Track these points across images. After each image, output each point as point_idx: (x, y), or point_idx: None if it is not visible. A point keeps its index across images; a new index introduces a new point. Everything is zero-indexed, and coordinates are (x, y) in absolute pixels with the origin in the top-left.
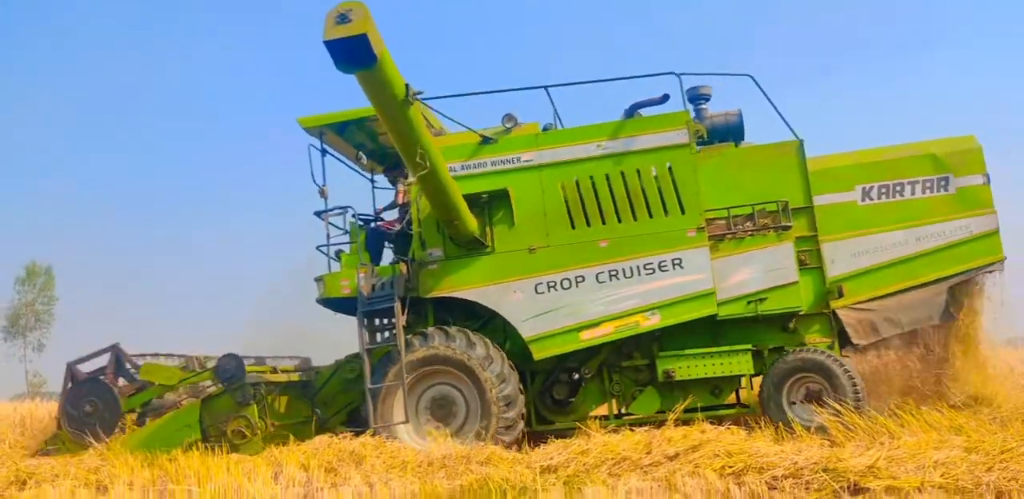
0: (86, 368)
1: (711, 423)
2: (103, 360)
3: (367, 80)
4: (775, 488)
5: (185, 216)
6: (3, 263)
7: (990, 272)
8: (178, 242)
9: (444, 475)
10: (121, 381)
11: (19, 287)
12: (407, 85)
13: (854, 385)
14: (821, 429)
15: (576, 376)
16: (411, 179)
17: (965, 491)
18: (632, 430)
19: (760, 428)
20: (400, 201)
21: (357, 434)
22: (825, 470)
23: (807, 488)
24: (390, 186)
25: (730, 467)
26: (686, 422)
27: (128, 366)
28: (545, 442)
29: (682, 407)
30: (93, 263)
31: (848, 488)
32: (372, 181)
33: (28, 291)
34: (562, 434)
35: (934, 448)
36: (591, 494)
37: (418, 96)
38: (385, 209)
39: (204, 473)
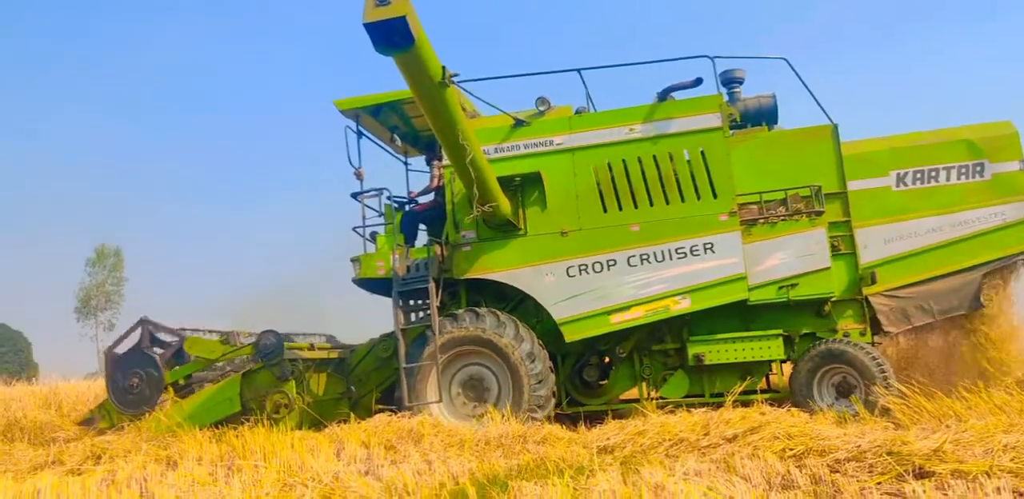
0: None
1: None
2: (135, 337)
3: (405, 62)
4: (837, 471)
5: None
6: (75, 244)
7: None
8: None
9: (501, 454)
10: (157, 350)
11: (90, 268)
12: (444, 67)
13: (882, 371)
14: (884, 412)
15: (607, 359)
16: (445, 161)
17: None
18: (689, 411)
19: (822, 410)
20: (435, 184)
21: (391, 412)
22: (889, 453)
23: (870, 472)
24: (424, 169)
25: (791, 450)
26: (720, 406)
27: (161, 335)
28: (602, 422)
29: (738, 390)
30: (160, 244)
31: (913, 472)
32: (406, 164)
33: (99, 272)
34: (594, 416)
35: (1003, 431)
36: (648, 475)
37: (454, 78)
38: (421, 193)
39: (269, 449)
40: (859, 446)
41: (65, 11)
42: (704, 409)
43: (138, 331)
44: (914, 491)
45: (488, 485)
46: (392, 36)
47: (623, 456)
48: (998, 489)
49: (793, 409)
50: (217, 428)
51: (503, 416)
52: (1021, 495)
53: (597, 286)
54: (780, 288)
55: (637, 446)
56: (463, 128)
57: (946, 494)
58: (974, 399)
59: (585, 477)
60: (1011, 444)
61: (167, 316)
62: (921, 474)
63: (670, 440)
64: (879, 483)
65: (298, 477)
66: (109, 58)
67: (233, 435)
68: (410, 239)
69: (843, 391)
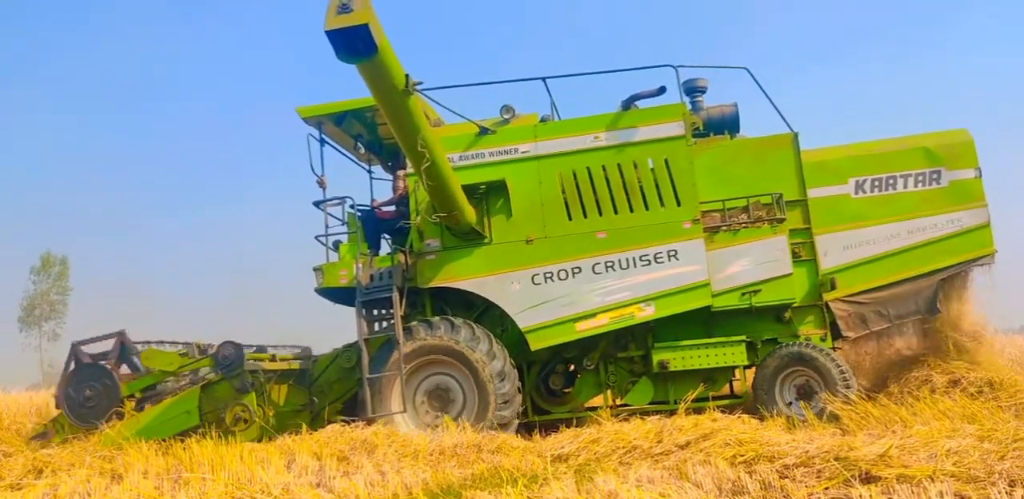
0: (91, 351)
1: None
2: (108, 345)
3: (367, 70)
4: (786, 477)
5: (197, 206)
6: (19, 253)
7: (981, 265)
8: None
9: (456, 464)
10: (124, 369)
11: (34, 277)
12: (407, 75)
13: (843, 374)
14: (833, 417)
15: (572, 367)
16: (409, 169)
17: (977, 480)
18: (643, 419)
19: (772, 417)
20: (399, 194)
21: (352, 423)
22: (836, 459)
23: (818, 477)
24: (387, 177)
25: (741, 456)
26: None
27: (132, 354)
28: (556, 431)
29: (692, 395)
30: (106, 252)
31: (859, 477)
32: (369, 172)
33: (43, 281)
34: (550, 425)
35: (946, 436)
36: (602, 482)
37: (418, 86)
38: (385, 203)
39: (218, 461)
40: (807, 452)
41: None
42: (658, 416)
43: (111, 341)
44: (860, 496)
45: (442, 495)
46: (354, 44)
47: (577, 464)
48: (941, 493)
49: (744, 416)
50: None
51: (459, 427)
52: (963, 498)
53: (562, 294)
54: (743, 294)
55: (591, 454)
56: (425, 135)
57: (892, 498)
58: (919, 405)
59: (539, 485)
60: (954, 449)
61: (114, 327)
62: (867, 479)
63: (624, 448)
64: (827, 488)
65: (246, 490)
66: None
67: (180, 447)
68: (373, 248)
69: (804, 394)
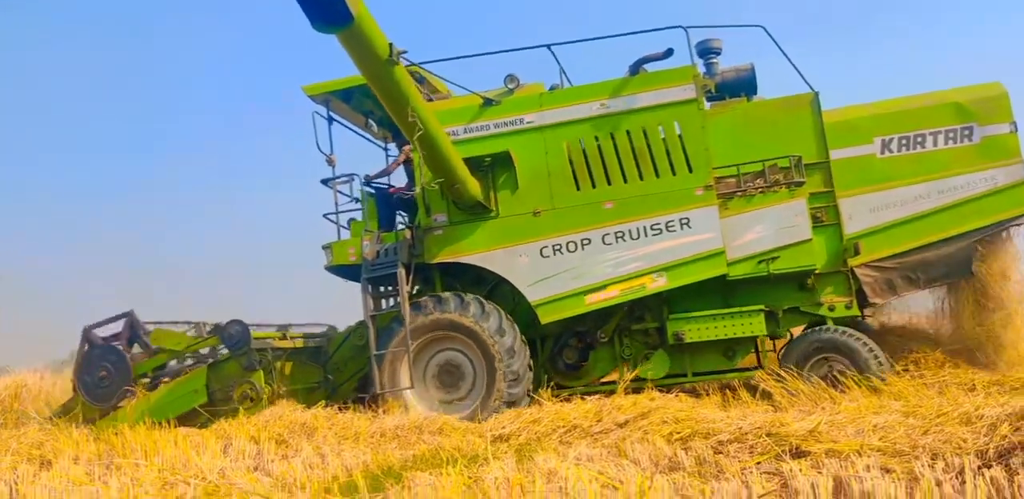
0: (103, 333)
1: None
2: (117, 326)
3: (346, 40)
4: (720, 453)
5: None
6: None
7: (1018, 225)
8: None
9: (397, 446)
10: (136, 349)
11: None
12: (391, 44)
13: (878, 361)
14: (766, 395)
15: (587, 341)
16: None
17: (902, 454)
18: (584, 399)
19: (708, 395)
20: (392, 168)
21: (366, 401)
22: (768, 435)
23: (751, 452)
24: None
25: (678, 433)
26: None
27: (143, 334)
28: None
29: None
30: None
31: (790, 451)
32: (385, 149)
33: None
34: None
35: (873, 413)
36: (542, 461)
37: (403, 55)
38: (376, 176)
39: (151, 447)
40: (741, 428)
41: None
42: (598, 396)
43: (121, 322)
44: (791, 470)
45: (382, 476)
46: (328, 13)
47: (518, 444)
48: (867, 467)
49: (681, 395)
50: (186, 421)
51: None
52: (888, 472)
53: (571, 266)
54: (760, 262)
55: (532, 434)
56: (416, 105)
57: (820, 472)
58: (848, 382)
59: (479, 465)
60: (880, 424)
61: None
62: (798, 454)
63: (564, 427)
64: (759, 463)
65: (180, 475)
66: None
67: (112, 432)
68: (388, 224)
69: (829, 378)
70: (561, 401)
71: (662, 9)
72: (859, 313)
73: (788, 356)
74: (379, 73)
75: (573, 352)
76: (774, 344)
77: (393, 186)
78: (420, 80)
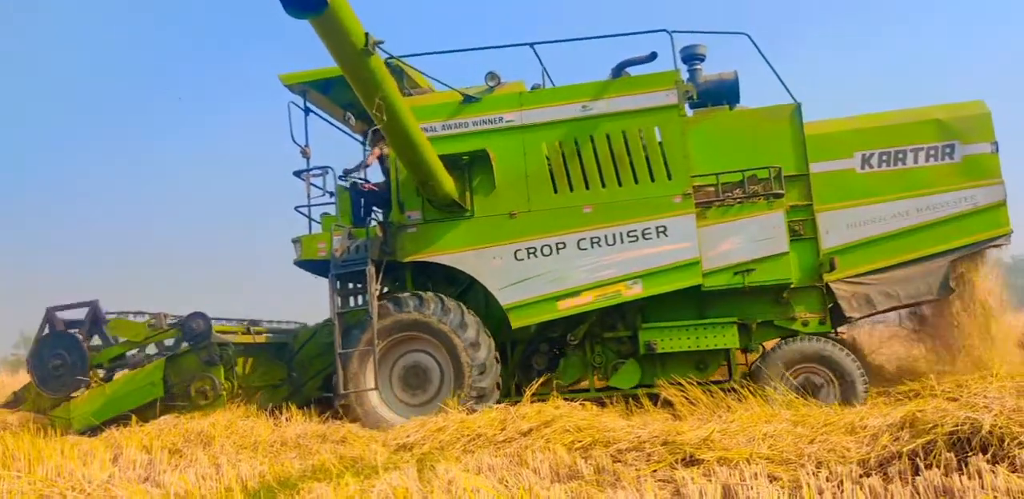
0: (65, 317)
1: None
2: (79, 314)
3: (320, 27)
4: (619, 461)
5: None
6: None
7: (996, 246)
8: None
9: (297, 455)
10: (95, 340)
11: None
12: (367, 34)
13: (864, 381)
14: (667, 403)
15: (557, 347)
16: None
17: (788, 462)
18: (491, 407)
19: (612, 403)
20: (369, 162)
21: (330, 400)
22: (664, 443)
23: (648, 460)
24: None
25: (579, 442)
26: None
27: (103, 324)
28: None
29: (533, 388)
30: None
31: (684, 460)
32: (363, 143)
33: None
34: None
35: (765, 421)
36: (443, 471)
37: (379, 46)
38: (352, 170)
39: (35, 456)
40: (640, 437)
41: None
42: (503, 404)
43: (84, 310)
44: (683, 478)
45: (278, 488)
46: None
47: (421, 453)
48: (755, 474)
49: (586, 402)
50: (139, 414)
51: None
52: (775, 479)
53: (546, 270)
54: (735, 274)
55: (436, 443)
56: (390, 97)
57: (711, 480)
58: (744, 392)
59: (380, 475)
60: (770, 433)
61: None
62: (692, 462)
63: (468, 436)
64: (654, 471)
65: (56, 486)
66: None
67: None
68: (361, 220)
69: (807, 388)
70: (466, 410)
71: (648, 13)
72: (831, 329)
73: (767, 361)
74: (353, 63)
75: (543, 358)
76: (746, 357)
77: (368, 182)
78: (399, 73)
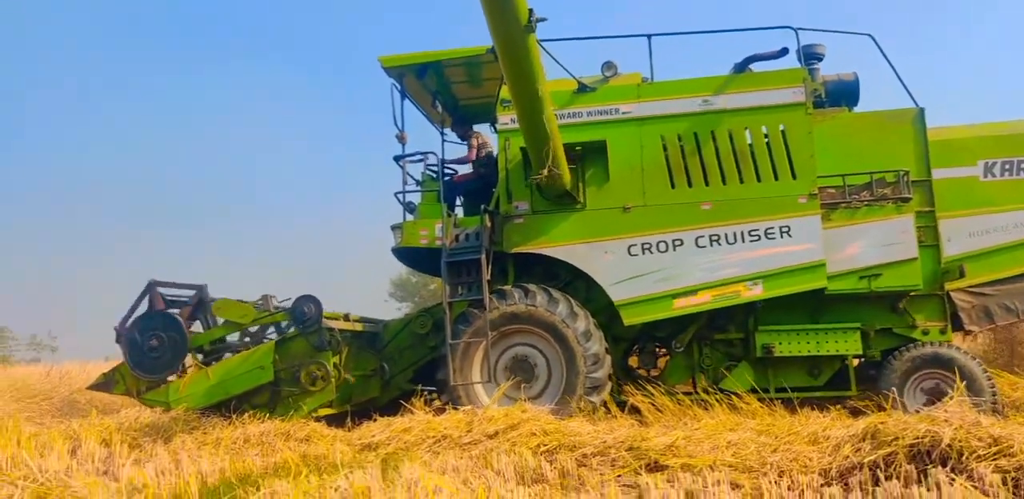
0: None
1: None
2: (185, 295)
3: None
4: (584, 465)
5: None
6: None
7: None
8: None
9: (259, 453)
10: (196, 327)
11: None
12: (531, 10)
13: (992, 389)
14: (635, 410)
15: (663, 346)
16: (502, 124)
17: (751, 470)
18: (456, 409)
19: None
20: (472, 157)
21: (430, 393)
22: (630, 449)
23: (613, 465)
24: (458, 141)
25: (545, 445)
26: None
27: (207, 312)
28: (370, 419)
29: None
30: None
31: (648, 466)
32: (442, 133)
33: None
34: (363, 414)
35: (729, 430)
36: (407, 471)
37: (541, 23)
38: (454, 162)
39: None
40: (605, 442)
41: None
42: (470, 407)
43: (191, 293)
44: (647, 483)
45: (238, 484)
46: None
47: (385, 453)
48: (718, 481)
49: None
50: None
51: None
52: (737, 487)
53: (661, 267)
54: (861, 278)
55: (401, 443)
56: (542, 80)
57: (674, 486)
58: (711, 400)
59: (343, 474)
60: (734, 441)
61: None
62: (656, 468)
63: (434, 437)
64: (619, 476)
65: (8, 476)
66: None
67: None
68: (449, 210)
69: (935, 395)
70: (432, 411)
71: (754, 9)
72: (952, 339)
73: (891, 367)
74: (513, 40)
75: (648, 357)
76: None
77: (457, 172)
78: None
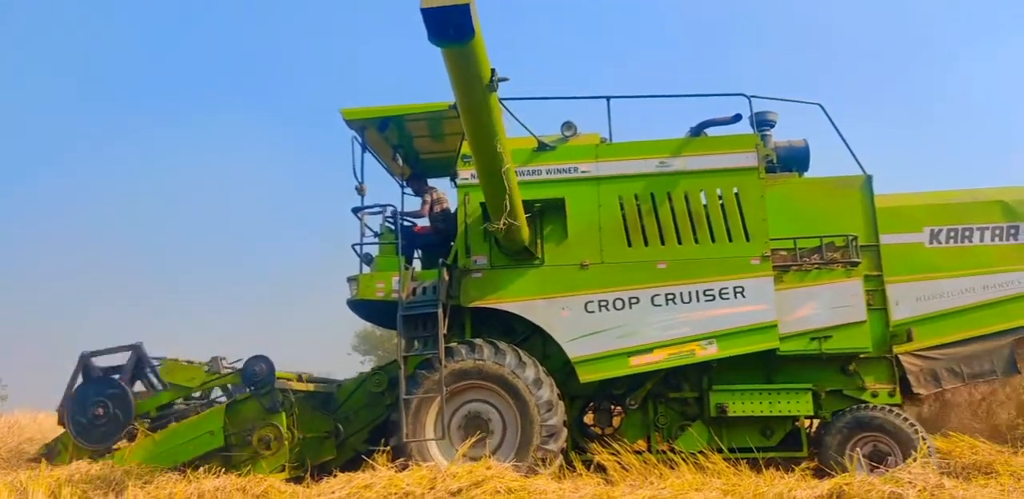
0: (101, 364)
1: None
2: (121, 358)
3: (457, 58)
4: None
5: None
6: None
7: None
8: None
9: None
10: (138, 386)
11: None
12: (493, 69)
13: (929, 451)
14: (600, 468)
15: (618, 405)
16: (462, 179)
17: None
18: (419, 465)
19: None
20: (424, 212)
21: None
22: None
23: None
24: (413, 194)
25: None
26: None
27: (148, 369)
28: (330, 475)
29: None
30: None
31: None
32: (402, 186)
33: None
34: (324, 468)
35: (695, 489)
36: None
37: (502, 82)
38: (408, 214)
39: None
40: None
41: None
42: (432, 463)
43: (125, 355)
44: None
45: None
46: (448, 27)
47: None
48: None
49: (518, 464)
50: (196, 467)
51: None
52: None
53: (617, 324)
54: (812, 339)
55: None
56: (502, 136)
57: None
58: (677, 459)
59: None
60: None
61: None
62: None
63: (396, 494)
64: None
65: None
66: None
67: None
68: (407, 263)
69: (875, 458)
70: (395, 467)
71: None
72: (901, 401)
73: (831, 431)
74: (475, 97)
75: (603, 416)
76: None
77: (416, 224)
78: None
